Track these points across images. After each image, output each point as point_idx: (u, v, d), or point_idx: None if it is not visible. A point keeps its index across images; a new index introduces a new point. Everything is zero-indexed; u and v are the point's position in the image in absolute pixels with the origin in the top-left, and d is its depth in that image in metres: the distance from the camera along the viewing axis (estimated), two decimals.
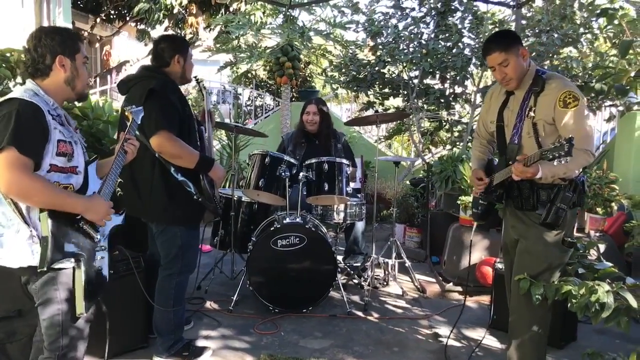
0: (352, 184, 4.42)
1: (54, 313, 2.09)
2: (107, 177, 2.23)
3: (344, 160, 4.24)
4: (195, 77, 3.73)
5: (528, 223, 2.77)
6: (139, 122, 2.46)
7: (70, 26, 4.94)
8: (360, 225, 4.92)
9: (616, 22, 3.47)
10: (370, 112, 7.42)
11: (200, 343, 3.45)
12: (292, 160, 4.17)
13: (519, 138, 2.74)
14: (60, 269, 2.05)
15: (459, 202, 4.91)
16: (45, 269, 1.96)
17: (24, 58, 2.17)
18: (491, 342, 3.48)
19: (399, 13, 7.00)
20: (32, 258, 1.99)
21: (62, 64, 2.14)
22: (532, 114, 2.67)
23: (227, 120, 9.44)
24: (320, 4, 8.49)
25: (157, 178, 3.00)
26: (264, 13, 9.60)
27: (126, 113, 2.43)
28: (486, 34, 6.29)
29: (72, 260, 2.05)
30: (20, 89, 2.11)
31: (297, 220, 4.06)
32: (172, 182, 3.01)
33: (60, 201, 2.01)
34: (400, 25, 6.99)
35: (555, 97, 2.61)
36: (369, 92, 7.44)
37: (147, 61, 3.27)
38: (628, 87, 3.56)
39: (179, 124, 2.98)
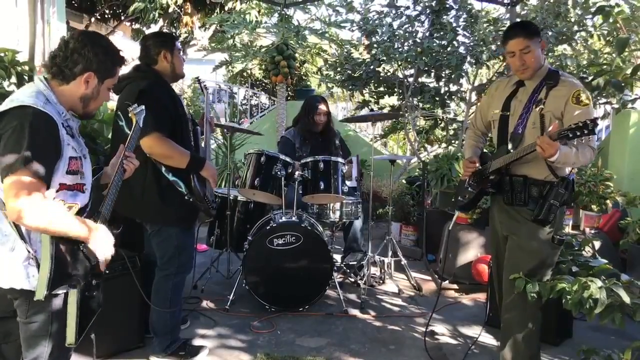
0: (348, 183, 4.43)
1: (40, 334, 1.96)
2: (107, 194, 2.10)
3: (340, 159, 4.25)
4: (197, 78, 3.73)
5: (519, 219, 2.77)
6: (141, 125, 2.38)
7: (64, 26, 4.92)
8: (358, 223, 4.92)
9: (611, 19, 3.49)
10: (365, 110, 7.43)
11: (197, 342, 3.45)
12: (288, 159, 4.17)
13: (523, 128, 2.75)
14: (53, 295, 1.89)
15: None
16: (42, 298, 1.78)
17: (57, 50, 1.99)
18: (487, 339, 3.49)
19: (394, 12, 7.00)
20: (27, 281, 1.86)
21: (87, 80, 1.99)
22: (541, 105, 2.68)
23: (222, 120, 9.43)
24: (315, 3, 8.49)
25: (149, 178, 2.99)
26: (259, 12, 9.60)
27: (130, 115, 2.35)
28: (481, 32, 6.31)
29: (66, 285, 1.88)
30: (31, 92, 1.92)
31: (293, 219, 4.07)
32: (164, 182, 3.00)
33: (68, 229, 1.83)
34: (395, 24, 6.99)
35: (569, 92, 2.64)
36: (364, 91, 7.45)
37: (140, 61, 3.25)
38: (623, 84, 3.59)
39: (171, 124, 2.97)
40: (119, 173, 2.15)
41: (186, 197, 3.03)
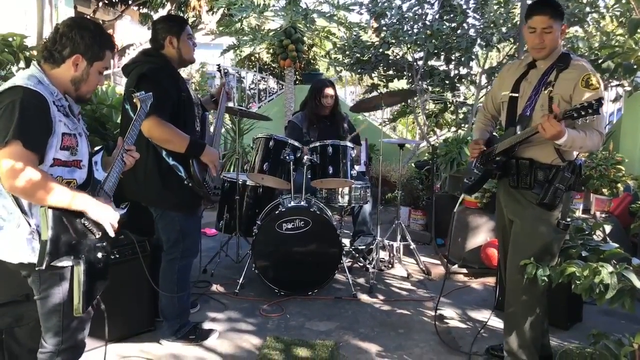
0: (356, 167, 4.42)
1: (54, 308, 2.06)
2: (110, 173, 2.19)
3: (349, 143, 4.23)
4: (217, 65, 3.73)
5: (524, 203, 2.75)
6: (147, 111, 2.42)
7: (72, 10, 4.91)
8: (367, 208, 4.93)
9: (624, 0, 3.43)
10: (374, 94, 7.37)
11: (207, 326, 3.48)
12: (296, 144, 4.16)
13: (531, 110, 2.71)
14: (61, 267, 2.00)
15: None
16: (43, 267, 1.88)
17: (50, 36, 2.10)
18: (496, 323, 3.49)
19: None
20: (32, 255, 1.93)
21: (76, 63, 2.06)
22: (550, 88, 2.64)
23: (230, 104, 9.41)
24: None
25: (150, 162, 2.98)
26: None
27: (134, 100, 2.38)
28: (491, 14, 6.23)
29: (72, 257, 1.97)
30: (24, 75, 2.03)
31: (302, 203, 4.07)
32: (165, 166, 3.00)
33: (66, 201, 1.92)
34: (404, 6, 6.91)
35: (578, 76, 2.59)
36: (373, 75, 7.39)
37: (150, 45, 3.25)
38: (635, 66, 3.53)
39: (174, 109, 2.95)
40: (119, 163, 2.22)
41: (185, 182, 3.03)
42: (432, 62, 7.12)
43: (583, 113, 2.35)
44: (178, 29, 3.10)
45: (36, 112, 1.91)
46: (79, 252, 1.98)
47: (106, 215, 2.06)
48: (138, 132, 2.37)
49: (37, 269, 1.90)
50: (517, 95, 2.81)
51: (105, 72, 2.21)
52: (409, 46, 6.84)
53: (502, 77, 3.01)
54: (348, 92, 12.14)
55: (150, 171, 3.00)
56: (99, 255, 2.07)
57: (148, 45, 3.20)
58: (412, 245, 4.84)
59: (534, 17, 2.67)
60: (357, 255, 4.80)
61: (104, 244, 2.10)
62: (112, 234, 2.09)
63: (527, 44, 2.81)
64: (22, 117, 1.86)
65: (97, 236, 2.05)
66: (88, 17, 10.93)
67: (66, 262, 1.98)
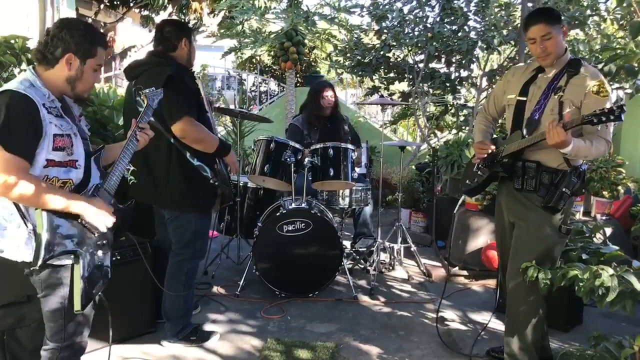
0: (357, 169, 4.43)
1: (56, 306, 2.08)
2: (114, 166, 2.17)
3: (350, 146, 4.24)
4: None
5: (528, 206, 2.75)
6: (154, 107, 2.42)
7: (73, 12, 4.93)
8: (368, 209, 4.93)
9: (625, 3, 3.44)
10: (375, 97, 7.39)
11: (208, 327, 3.48)
12: (297, 146, 4.16)
13: (540, 114, 2.71)
14: (61, 265, 2.02)
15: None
16: (37, 267, 1.92)
17: (42, 39, 2.11)
18: (497, 325, 3.49)
19: None
20: (31, 254, 1.95)
21: (69, 62, 2.06)
22: (561, 92, 2.64)
23: (231, 106, 9.43)
24: None
25: (174, 164, 3.01)
26: None
27: (142, 97, 2.39)
28: (492, 17, 6.24)
29: (71, 256, 2.00)
30: (17, 79, 2.04)
31: (303, 205, 4.07)
32: (189, 167, 3.03)
33: (56, 203, 1.93)
34: (405, 9, 6.93)
35: (590, 82, 2.60)
36: (374, 77, 7.40)
37: (152, 47, 3.26)
38: (637, 69, 3.54)
39: (197, 110, 3.01)
40: (132, 142, 2.22)
41: (211, 181, 3.07)
42: (433, 65, 7.13)
43: (604, 119, 2.35)
44: (190, 32, 3.19)
45: (23, 116, 1.91)
46: (76, 250, 2.00)
47: (101, 221, 2.07)
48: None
49: (31, 268, 1.94)
50: (525, 98, 2.81)
51: (107, 74, 2.22)
52: (409, 48, 6.85)
53: (507, 80, 3.00)
54: (349, 95, 12.13)
55: (174, 173, 3.02)
56: (100, 253, 2.09)
57: (150, 48, 3.23)
58: (413, 248, 4.84)
59: (531, 28, 2.70)
60: (357, 257, 4.80)
61: (105, 242, 2.11)
62: (101, 228, 2.09)
63: (533, 55, 2.81)
64: (8, 120, 1.87)
65: (96, 235, 2.07)
66: (89, 19, 10.99)
67: (65, 261, 2.01)
